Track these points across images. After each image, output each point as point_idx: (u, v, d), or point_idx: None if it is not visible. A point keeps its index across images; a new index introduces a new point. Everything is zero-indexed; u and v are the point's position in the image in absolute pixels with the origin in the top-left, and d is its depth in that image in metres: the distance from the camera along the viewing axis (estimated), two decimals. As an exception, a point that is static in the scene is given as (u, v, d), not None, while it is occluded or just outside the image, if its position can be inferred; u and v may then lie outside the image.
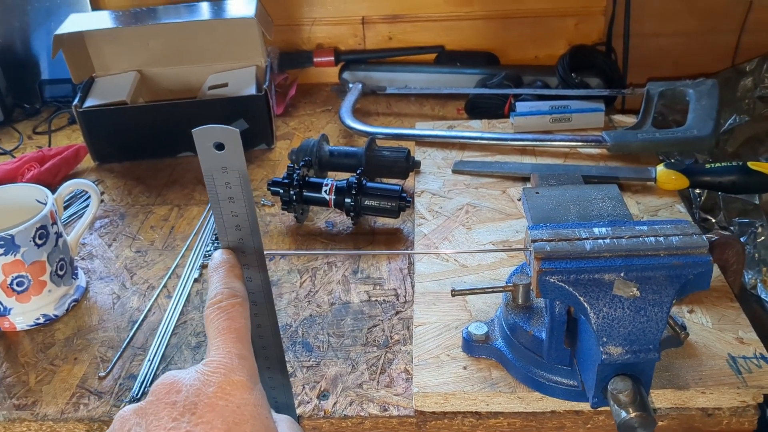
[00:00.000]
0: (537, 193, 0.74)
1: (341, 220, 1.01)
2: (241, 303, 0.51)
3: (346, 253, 0.91)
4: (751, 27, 1.35)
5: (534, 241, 0.60)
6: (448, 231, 0.94)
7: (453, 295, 0.72)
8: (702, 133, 1.02)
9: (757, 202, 1.17)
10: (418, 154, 1.10)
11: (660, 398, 0.71)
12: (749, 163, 0.95)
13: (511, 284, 0.72)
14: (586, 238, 0.59)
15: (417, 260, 0.89)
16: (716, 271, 0.84)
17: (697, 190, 1.22)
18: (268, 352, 0.62)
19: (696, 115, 1.06)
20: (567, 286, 0.57)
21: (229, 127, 0.52)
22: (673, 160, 1.19)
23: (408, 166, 1.04)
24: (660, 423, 0.72)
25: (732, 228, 1.17)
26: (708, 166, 0.96)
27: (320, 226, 1.01)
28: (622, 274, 0.57)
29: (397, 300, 0.87)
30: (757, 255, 1.15)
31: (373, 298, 0.88)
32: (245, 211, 0.54)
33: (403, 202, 0.96)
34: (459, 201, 0.99)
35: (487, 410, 0.72)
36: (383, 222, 1.01)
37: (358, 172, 0.97)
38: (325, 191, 0.97)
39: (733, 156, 1.24)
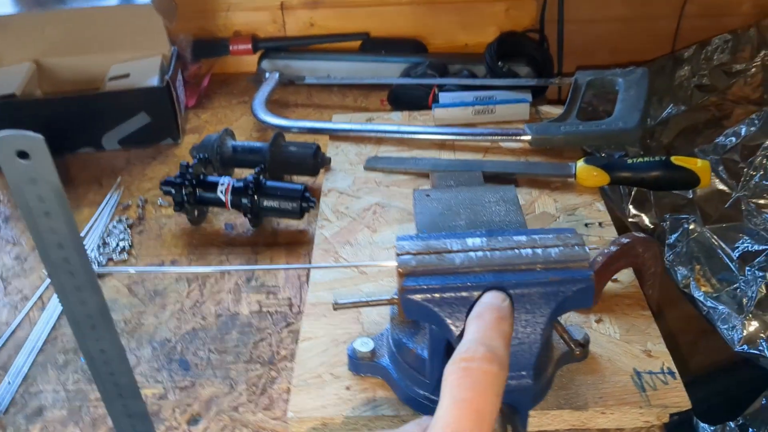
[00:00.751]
0: (428, 195, 0.67)
1: (242, 222, 0.94)
2: (496, 374, 0.41)
3: (208, 270, 0.84)
4: (691, 12, 1.30)
5: (400, 254, 0.53)
6: (351, 234, 0.87)
7: (335, 309, 0.66)
8: (627, 125, 0.96)
9: (691, 196, 1.12)
10: (331, 149, 1.03)
11: (556, 419, 0.65)
12: (673, 158, 0.89)
13: (396, 296, 0.66)
14: (457, 251, 0.53)
15: (314, 260, 0.82)
16: (630, 276, 0.79)
17: (629, 185, 1.16)
18: (116, 378, 0.55)
19: (623, 106, 1.00)
20: (431, 306, 0.50)
21: (31, 133, 0.44)
22: (602, 154, 1.13)
23: (316, 162, 0.97)
24: (558, 446, 0.66)
25: (664, 224, 1.11)
26: (630, 161, 0.90)
27: (219, 228, 0.94)
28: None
29: (290, 311, 0.80)
30: (690, 252, 1.10)
31: (264, 309, 0.81)
32: (64, 227, 0.47)
33: (305, 202, 0.89)
34: (367, 201, 0.92)
35: (371, 434, 0.66)
36: (288, 223, 0.94)
37: (256, 170, 0.90)
38: (221, 191, 0.90)
39: (669, 148, 1.18)
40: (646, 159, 0.89)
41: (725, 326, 1.10)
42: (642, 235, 0.78)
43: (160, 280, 0.86)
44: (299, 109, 1.20)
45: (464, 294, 0.50)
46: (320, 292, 0.78)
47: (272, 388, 0.71)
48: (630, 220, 1.12)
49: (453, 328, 0.50)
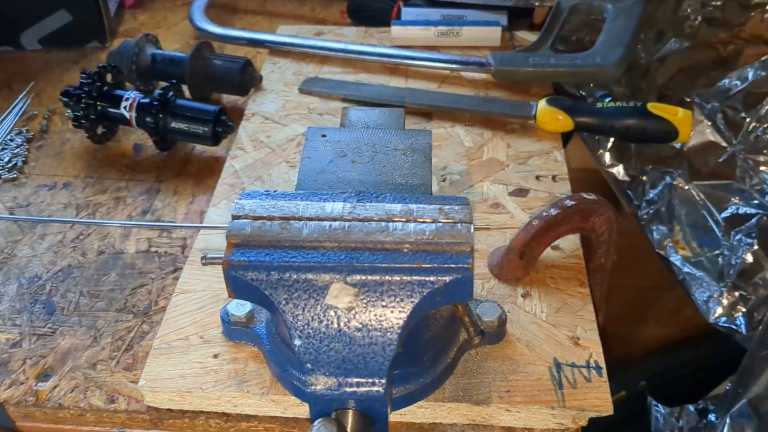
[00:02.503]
0: (323, 136, 0.55)
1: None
2: None
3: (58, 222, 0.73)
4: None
5: (236, 216, 0.42)
6: (266, 168, 0.75)
7: (203, 264, 0.55)
8: (606, 61, 0.82)
9: (680, 146, 0.98)
10: (267, 66, 0.90)
11: (452, 413, 0.55)
12: (649, 105, 0.76)
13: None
14: (309, 218, 0.41)
15: (214, 203, 0.72)
16: (575, 242, 0.67)
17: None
18: None
19: (606, 38, 0.85)
20: (263, 288, 0.39)
21: None
22: (582, 93, 0.99)
23: (245, 80, 0.85)
24: (455, 441, 0.56)
25: (644, 177, 0.98)
26: (600, 105, 0.77)
27: (127, 148, 0.83)
28: (342, 276, 0.39)
29: (182, 253, 0.70)
30: (670, 210, 0.97)
31: (153, 249, 0.70)
32: None
33: (220, 126, 0.78)
34: (293, 130, 0.80)
35: (237, 412, 0.56)
36: (204, 148, 0.82)
37: (165, 85, 0.78)
38: (125, 107, 0.78)
39: (662, 90, 1.03)
40: (618, 104, 0.76)
41: (701, 295, 0.98)
42: (592, 196, 0.66)
43: (46, 205, 0.75)
44: (249, 16, 1.06)
45: (307, 276, 0.39)
46: (212, 235, 0.68)
47: (140, 345, 0.62)
48: (606, 170, 0.99)
49: (290, 318, 0.39)
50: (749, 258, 0.94)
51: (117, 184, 0.78)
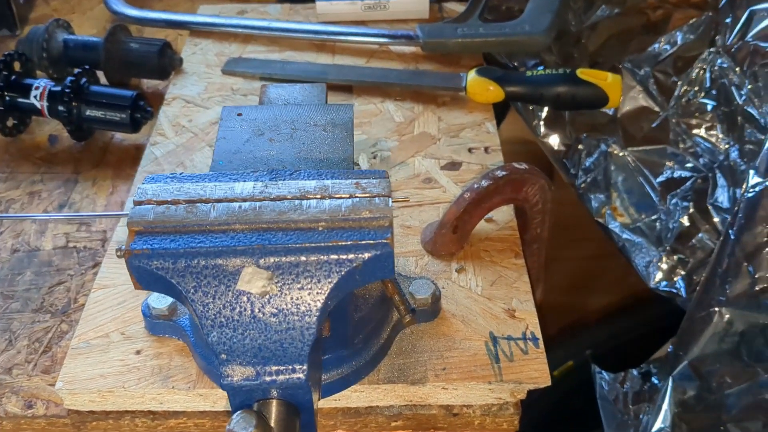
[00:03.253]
0: (239, 114, 0.52)
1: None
2: None
3: None
4: None
5: (138, 203, 0.39)
6: (188, 153, 0.72)
7: (119, 257, 0.52)
8: (534, 29, 0.81)
9: (612, 113, 0.98)
10: (188, 48, 0.87)
11: (389, 395, 0.53)
12: (578, 72, 0.75)
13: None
14: (218, 200, 0.39)
15: (134, 192, 0.68)
16: (509, 213, 0.66)
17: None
18: None
19: (534, 6, 0.84)
20: (170, 277, 0.37)
21: None
22: (515, 64, 0.98)
23: (164, 63, 0.81)
24: (393, 423, 0.55)
25: (580, 146, 0.98)
26: (529, 73, 0.75)
27: (41, 140, 0.78)
28: (254, 260, 0.37)
29: (102, 248, 0.66)
30: (607, 178, 0.97)
31: (71, 244, 0.67)
32: None
33: (138, 112, 0.74)
34: (217, 112, 0.77)
35: (164, 409, 0.54)
36: (124, 136, 0.78)
37: (76, 71, 0.74)
38: (35, 96, 0.74)
39: (594, 57, 1.03)
40: (547, 72, 0.75)
41: (641, 261, 0.99)
42: (524, 165, 0.65)
43: (-46, 203, 0.71)
44: (171, -3, 1.01)
45: (216, 262, 0.37)
46: (133, 226, 0.64)
47: (59, 346, 0.58)
48: (542, 140, 0.98)
49: (200, 307, 0.37)
50: (686, 221, 0.94)
51: (31, 178, 0.74)
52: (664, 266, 0.96)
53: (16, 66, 0.77)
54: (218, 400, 0.53)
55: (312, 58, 0.85)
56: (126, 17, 0.91)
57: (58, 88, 0.73)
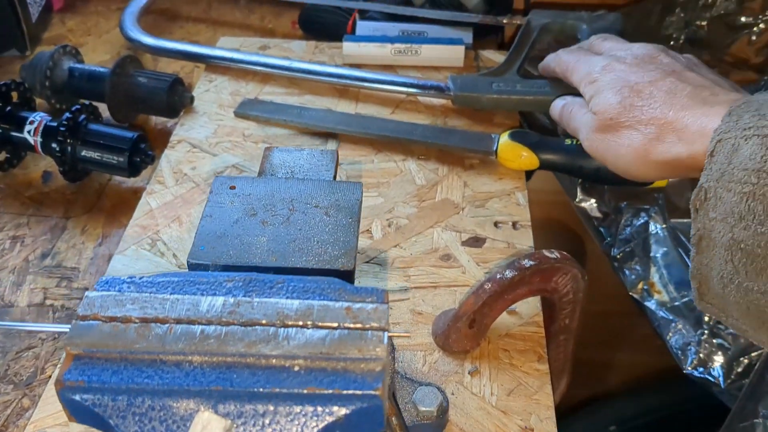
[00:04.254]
0: (232, 187, 0.46)
1: (65, 172, 0.72)
2: None
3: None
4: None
5: (81, 317, 0.32)
6: (186, 206, 0.66)
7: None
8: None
9: (658, 181, 0.89)
10: (202, 84, 0.81)
11: None
12: (623, 144, 0.67)
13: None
14: (177, 320, 0.32)
15: (121, 249, 0.62)
16: (535, 306, 0.58)
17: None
18: None
19: (579, 63, 0.76)
20: (109, 417, 0.30)
21: None
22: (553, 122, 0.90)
23: (173, 101, 0.75)
24: None
25: (617, 215, 0.90)
26: (568, 141, 0.68)
27: (34, 177, 0.73)
28: (210, 404, 0.30)
29: (82, 307, 0.60)
30: (646, 250, 0.89)
31: (48, 302, 0.61)
32: None
33: (139, 155, 0.68)
34: (224, 160, 0.71)
35: None
36: (122, 178, 0.72)
37: (74, 108, 0.68)
38: (29, 131, 0.68)
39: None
40: (588, 142, 0.67)
41: (677, 342, 0.90)
42: (555, 253, 0.57)
43: (-69, 244, 0.65)
44: (190, 24, 0.96)
45: (165, 402, 0.30)
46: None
47: (16, 425, 0.52)
48: (577, 204, 0.90)
49: (140, 456, 0.30)
50: (730, 304, 0.85)
51: (17, 220, 0.68)
52: (702, 351, 0.88)
53: (14, 96, 0.71)
54: None
55: (333, 104, 0.78)
56: (140, 45, 0.85)
57: (54, 124, 0.68)
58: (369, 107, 0.78)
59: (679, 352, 0.88)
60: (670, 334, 0.90)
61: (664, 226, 0.90)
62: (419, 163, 0.71)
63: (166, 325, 0.32)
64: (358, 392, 0.30)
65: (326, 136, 0.74)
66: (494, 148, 0.70)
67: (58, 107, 0.78)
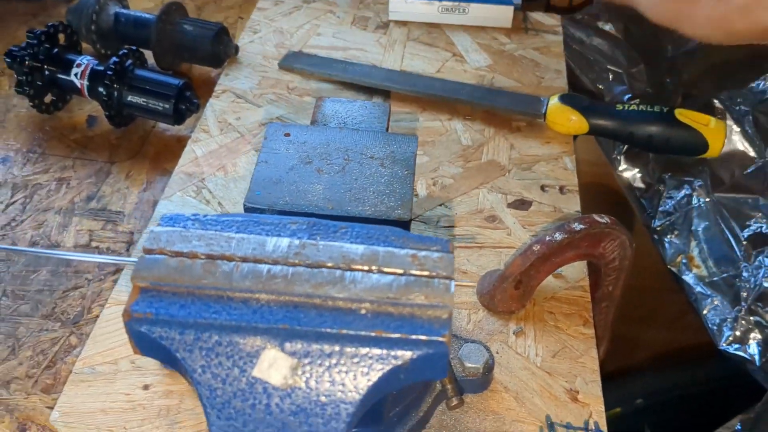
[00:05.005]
0: (287, 135, 0.45)
1: (110, 117, 0.72)
2: None
3: None
4: None
5: (147, 251, 0.32)
6: (231, 156, 0.66)
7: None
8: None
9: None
10: (246, 35, 0.80)
11: (421, 476, 0.46)
12: (676, 112, 0.66)
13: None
14: (243, 259, 0.32)
15: (167, 195, 0.62)
16: (581, 270, 0.58)
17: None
18: None
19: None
20: (176, 350, 0.30)
21: None
22: (600, 87, 0.89)
23: (218, 50, 0.74)
24: (422, 506, 0.47)
25: (661, 186, 0.88)
26: (620, 107, 0.67)
27: (79, 120, 0.73)
28: (277, 342, 0.30)
29: (127, 251, 0.60)
30: (687, 224, 0.88)
31: (94, 244, 0.61)
32: None
33: (184, 103, 0.68)
34: (267, 112, 0.70)
35: (166, 455, 0.48)
36: (167, 126, 0.72)
37: (122, 52, 0.68)
38: (77, 74, 0.68)
39: (687, 88, 0.93)
40: (641, 108, 0.66)
41: (714, 318, 0.90)
42: (605, 218, 0.56)
43: (-22, 182, 0.66)
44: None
45: (233, 338, 0.30)
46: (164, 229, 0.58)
47: (64, 362, 0.53)
48: (619, 174, 0.89)
49: (206, 391, 0.30)
50: (770, 281, 0.84)
51: (63, 162, 0.68)
52: (739, 328, 0.87)
53: (61, 38, 0.71)
54: (227, 455, 0.46)
55: (378, 59, 0.77)
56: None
57: (101, 68, 0.68)
58: (414, 64, 0.77)
59: (715, 328, 0.87)
60: (707, 310, 0.89)
61: (707, 199, 0.89)
62: (465, 124, 0.70)
63: (233, 263, 0.32)
64: (424, 338, 0.30)
65: (371, 91, 0.73)
66: (543, 111, 0.68)
67: (103, 52, 0.77)
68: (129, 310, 0.31)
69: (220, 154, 0.66)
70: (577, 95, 0.69)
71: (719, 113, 0.83)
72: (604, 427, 0.48)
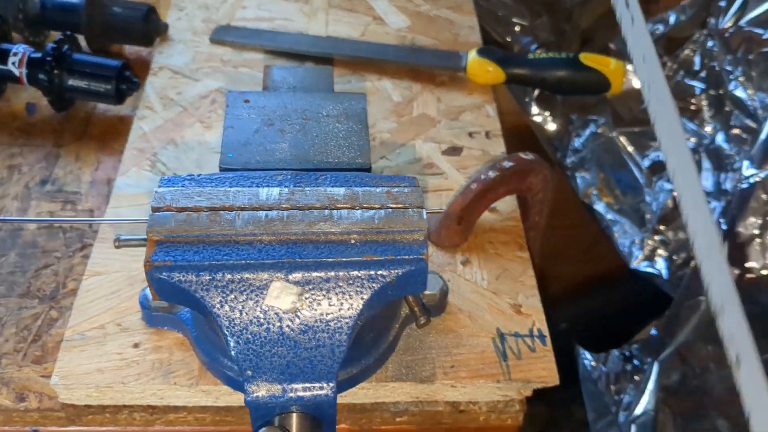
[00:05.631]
0: (247, 101, 0.50)
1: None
2: None
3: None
4: None
5: (156, 209, 0.36)
6: (178, 129, 0.69)
7: (116, 247, 0.49)
8: None
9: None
10: (173, 12, 0.82)
11: (396, 392, 0.52)
12: (581, 56, 0.73)
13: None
14: (242, 208, 0.36)
15: (123, 171, 0.65)
16: (512, 203, 0.65)
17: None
18: None
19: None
20: (194, 291, 0.35)
21: None
22: (508, 39, 0.96)
23: (148, 29, 0.77)
24: (398, 419, 0.54)
25: (569, 126, 0.97)
26: (531, 56, 0.74)
27: (18, 108, 0.74)
28: (283, 274, 0.35)
29: (90, 228, 0.63)
30: (595, 158, 0.97)
31: (57, 224, 0.63)
32: None
33: (124, 83, 0.70)
34: (206, 85, 0.74)
35: (164, 404, 0.52)
36: (107, 106, 0.74)
37: (57, 37, 0.70)
38: (13, 63, 0.70)
39: (585, 35, 1.02)
40: (549, 55, 0.73)
41: (624, 241, 1.00)
42: (529, 155, 0.63)
43: (-74, 176, 0.67)
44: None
45: (243, 276, 0.35)
46: (124, 208, 0.61)
47: (48, 334, 0.56)
48: (533, 119, 0.97)
49: (225, 322, 0.35)
50: (670, 203, 0.95)
51: (9, 150, 0.70)
52: (647, 247, 0.97)
53: (-9, 28, 0.72)
54: (221, 396, 0.51)
55: (303, 27, 0.81)
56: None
57: (39, 55, 0.69)
58: (339, 29, 0.82)
59: (626, 250, 0.97)
60: (617, 235, 0.99)
61: (611, 135, 0.98)
62: (393, 82, 0.76)
63: (234, 212, 0.36)
64: (407, 257, 0.36)
65: (302, 58, 0.77)
66: (463, 65, 0.75)
67: (32, 40, 0.78)
68: (150, 260, 0.35)
69: (167, 128, 0.69)
70: (492, 48, 0.76)
71: (613, 55, 0.92)
72: (546, 332, 0.55)
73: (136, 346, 0.52)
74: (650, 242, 0.97)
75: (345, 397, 0.52)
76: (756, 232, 0.76)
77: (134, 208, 0.61)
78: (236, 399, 0.51)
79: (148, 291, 0.52)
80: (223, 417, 0.53)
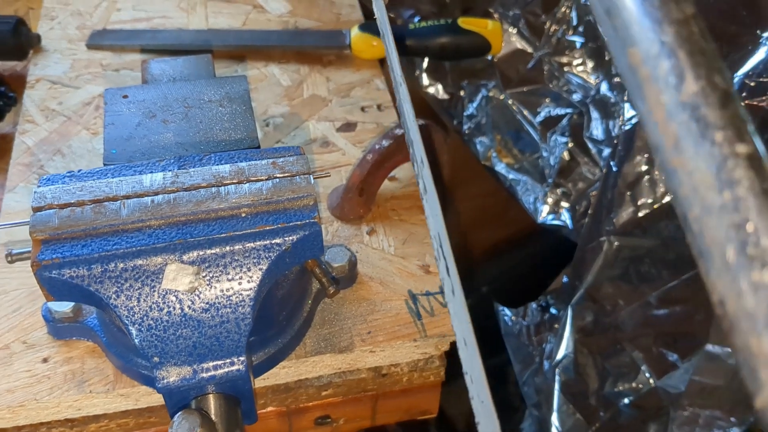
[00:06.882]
0: (125, 96, 0.49)
1: None
2: None
3: None
4: None
5: (37, 209, 0.35)
6: (64, 139, 0.67)
7: (9, 262, 0.47)
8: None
9: (490, 58, 1.00)
10: (44, 23, 0.80)
11: (318, 366, 0.53)
12: (459, 21, 0.75)
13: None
14: (126, 196, 0.36)
15: (10, 188, 0.63)
16: (410, 170, 0.66)
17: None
18: None
19: None
20: (87, 285, 0.34)
21: None
22: (391, 15, 0.97)
23: (20, 42, 0.74)
24: (324, 393, 0.55)
25: (461, 93, 0.99)
26: (412, 26, 0.75)
27: None
28: (176, 256, 0.35)
29: (-18, 250, 0.61)
30: (490, 122, 1.00)
31: (-55, 251, 0.61)
32: None
33: (1, 100, 0.67)
34: (88, 92, 0.72)
35: (82, 415, 0.51)
36: (-14, 127, 0.71)
37: None
38: None
39: (466, 3, 1.04)
40: (429, 23, 0.75)
41: (528, 198, 1.03)
42: (421, 121, 0.65)
43: None
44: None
45: (136, 263, 0.34)
46: (15, 229, 0.59)
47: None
48: (425, 90, 0.99)
49: (124, 312, 0.34)
50: (566, 156, 0.99)
51: None
52: (550, 201, 1.01)
53: None
54: (141, 398, 0.51)
55: (183, 23, 0.80)
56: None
57: None
58: (219, 21, 0.81)
59: (531, 207, 1.01)
60: (521, 193, 1.02)
61: (501, 97, 1.01)
62: (281, 67, 0.76)
63: (118, 202, 0.36)
64: (300, 222, 0.36)
65: (185, 53, 0.76)
66: (347, 42, 0.76)
67: None
68: (36, 260, 0.34)
69: (52, 139, 0.67)
70: (374, 23, 0.77)
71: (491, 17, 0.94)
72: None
73: (45, 360, 0.51)
74: (552, 196, 1.00)
75: (267, 379, 0.52)
76: (644, 168, 0.80)
77: (23, 229, 0.59)
78: (157, 398, 0.51)
79: (50, 303, 0.51)
80: (146, 419, 0.52)
